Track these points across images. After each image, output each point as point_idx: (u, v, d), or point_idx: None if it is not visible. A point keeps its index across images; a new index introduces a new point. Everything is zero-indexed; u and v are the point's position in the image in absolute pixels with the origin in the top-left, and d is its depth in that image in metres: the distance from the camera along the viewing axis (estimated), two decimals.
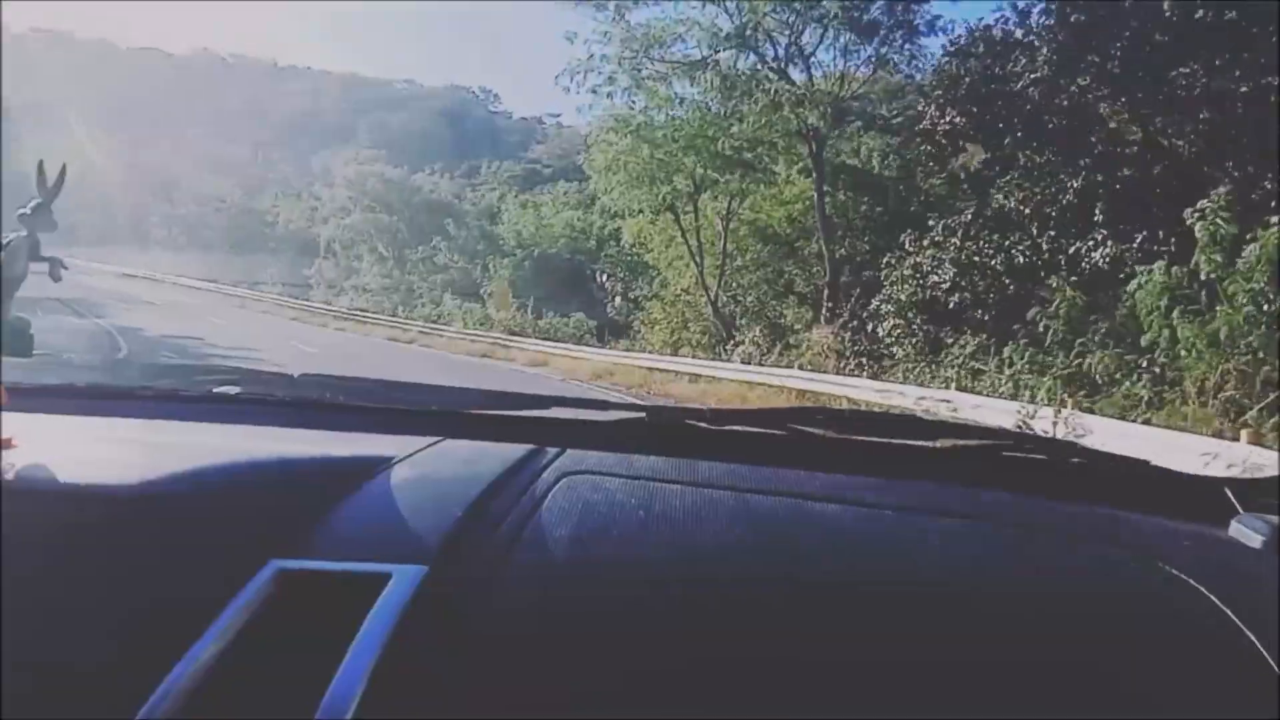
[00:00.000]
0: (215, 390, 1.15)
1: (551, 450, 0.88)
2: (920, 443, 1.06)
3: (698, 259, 18.92)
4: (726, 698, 0.57)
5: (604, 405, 1.32)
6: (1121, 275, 10.92)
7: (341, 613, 0.58)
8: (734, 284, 19.35)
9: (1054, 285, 11.96)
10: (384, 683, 0.53)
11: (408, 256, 28.54)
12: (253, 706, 0.53)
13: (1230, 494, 0.87)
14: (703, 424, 1.08)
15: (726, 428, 1.08)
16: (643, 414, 1.20)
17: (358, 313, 23.29)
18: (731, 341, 17.63)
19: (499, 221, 29.32)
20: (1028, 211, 13.26)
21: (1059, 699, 0.58)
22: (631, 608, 0.64)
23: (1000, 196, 13.68)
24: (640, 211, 19.44)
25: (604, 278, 24.33)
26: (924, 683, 0.58)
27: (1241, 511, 0.82)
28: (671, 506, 0.78)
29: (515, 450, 0.87)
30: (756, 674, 0.58)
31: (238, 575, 0.60)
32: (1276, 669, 0.59)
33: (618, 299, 23.09)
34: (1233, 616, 0.63)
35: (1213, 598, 0.66)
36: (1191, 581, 0.68)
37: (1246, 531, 0.78)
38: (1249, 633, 0.62)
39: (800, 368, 15.19)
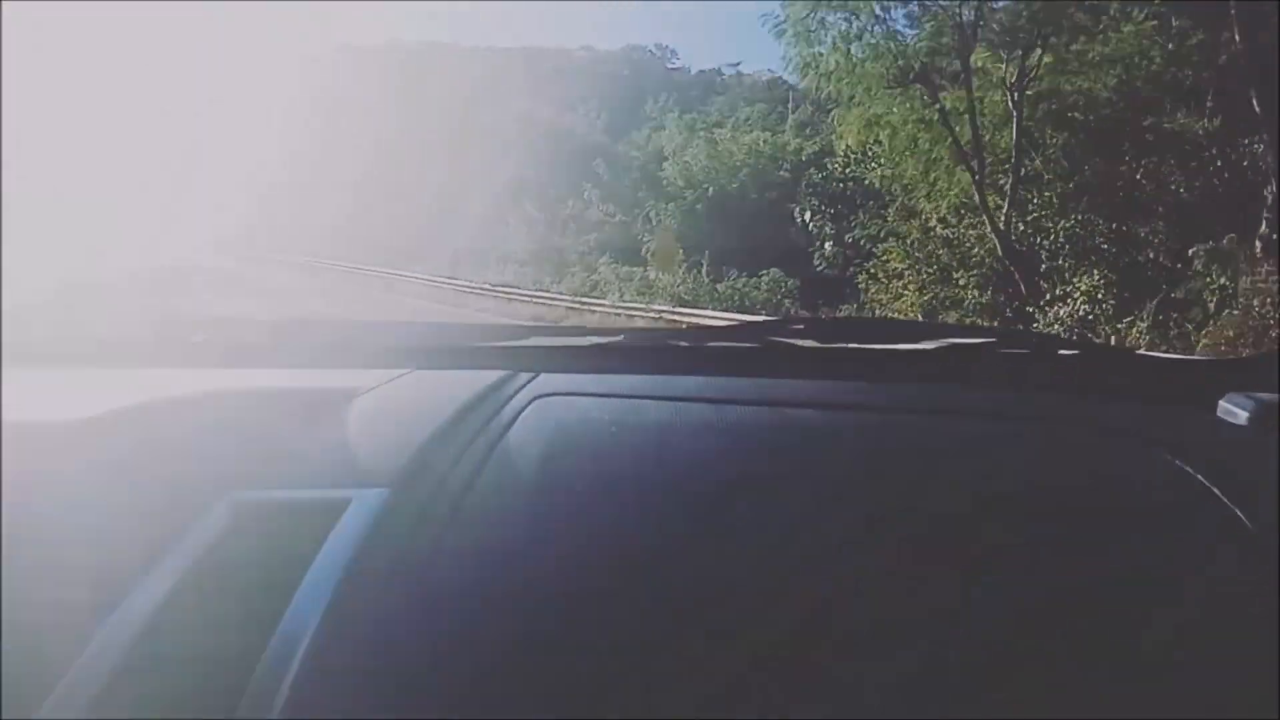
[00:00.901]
0: (184, 339, 1.14)
1: (525, 375, 0.85)
2: (903, 346, 1.04)
3: (975, 163, 11.07)
4: (703, 609, 0.55)
5: (582, 331, 1.29)
6: None
7: (301, 540, 0.57)
8: (1034, 201, 11.44)
9: None
10: (342, 608, 0.52)
11: (557, 214, 23.36)
12: (209, 636, 0.52)
13: (1217, 374, 0.86)
14: (681, 343, 1.10)
15: (706, 344, 1.08)
16: (620, 336, 1.17)
17: (501, 289, 18.56)
18: (1041, 301, 10.16)
19: (666, 161, 23.07)
20: None
21: (1054, 585, 0.56)
22: (602, 522, 0.62)
23: None
24: (866, 88, 11.47)
25: (806, 216, 17.23)
26: (912, 578, 0.57)
27: (1229, 392, 0.80)
28: (645, 420, 0.76)
29: (488, 376, 0.84)
30: (732, 583, 0.57)
31: (194, 507, 0.59)
32: (1262, 540, 0.59)
33: (827, 245, 16.02)
34: (1219, 493, 0.63)
35: (1199, 476, 0.65)
36: (1178, 462, 0.67)
37: (1233, 410, 0.76)
38: (1235, 508, 0.61)
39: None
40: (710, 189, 20.54)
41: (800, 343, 1.06)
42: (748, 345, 1.06)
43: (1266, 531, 0.60)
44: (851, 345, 1.06)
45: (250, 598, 0.53)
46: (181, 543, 0.56)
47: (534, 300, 17.00)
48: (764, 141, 21.36)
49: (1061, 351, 1.05)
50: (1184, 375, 0.94)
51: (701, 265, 16.71)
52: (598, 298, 16.56)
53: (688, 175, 21.17)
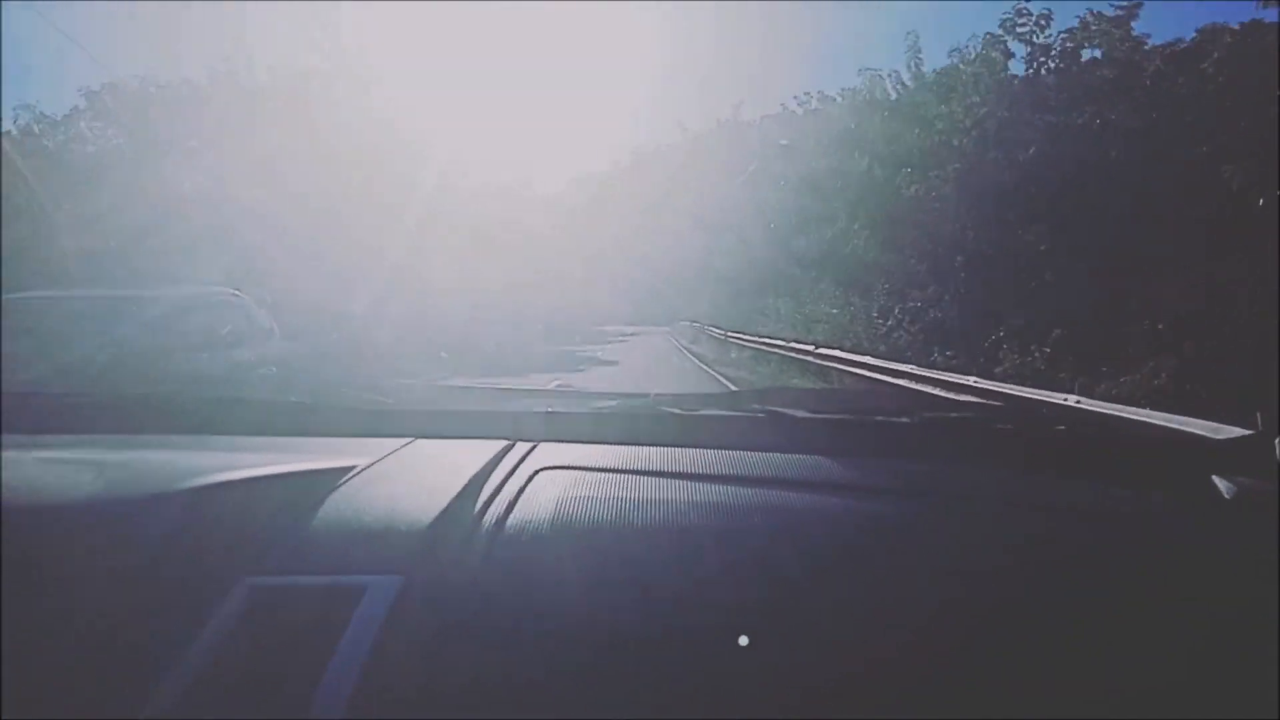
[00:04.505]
0: (187, 396, 1.21)
1: (525, 445, 0.88)
2: (895, 419, 1.07)
3: None
4: (712, 689, 0.56)
5: (579, 396, 1.41)
6: None
7: (317, 627, 0.57)
8: None
9: None
10: (364, 699, 0.53)
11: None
12: None
13: (1205, 454, 0.87)
14: (676, 410, 1.08)
15: (700, 412, 1.09)
16: (614, 402, 1.19)
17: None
18: None
19: None
20: None
21: (1043, 672, 0.57)
22: (614, 604, 0.62)
23: None
24: None
25: None
26: (904, 665, 0.58)
27: (1216, 472, 0.79)
28: (649, 499, 0.75)
29: (489, 447, 0.86)
30: (742, 666, 0.58)
31: (210, 593, 0.59)
32: (1251, 618, 0.59)
33: None
34: (1205, 575, 0.64)
35: (1186, 558, 0.67)
36: (1166, 544, 0.69)
37: (1220, 491, 0.77)
38: (1222, 591, 0.62)
39: None
40: None
41: (793, 413, 1.04)
42: (739, 414, 1.08)
43: (1257, 609, 0.60)
44: (840, 417, 1.05)
45: (274, 685, 0.54)
46: (204, 628, 0.57)
47: None
48: None
49: (1057, 428, 1.04)
50: (1176, 453, 0.92)
51: None
52: None
53: None
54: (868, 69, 15.91)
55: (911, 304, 12.22)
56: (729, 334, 22.78)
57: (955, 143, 11.96)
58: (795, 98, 23.74)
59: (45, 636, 0.55)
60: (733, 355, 19.28)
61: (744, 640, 0.58)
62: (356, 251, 14.30)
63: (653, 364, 18.58)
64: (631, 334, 34.90)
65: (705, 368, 16.74)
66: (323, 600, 0.59)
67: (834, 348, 12.27)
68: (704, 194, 33.20)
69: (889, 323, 12.70)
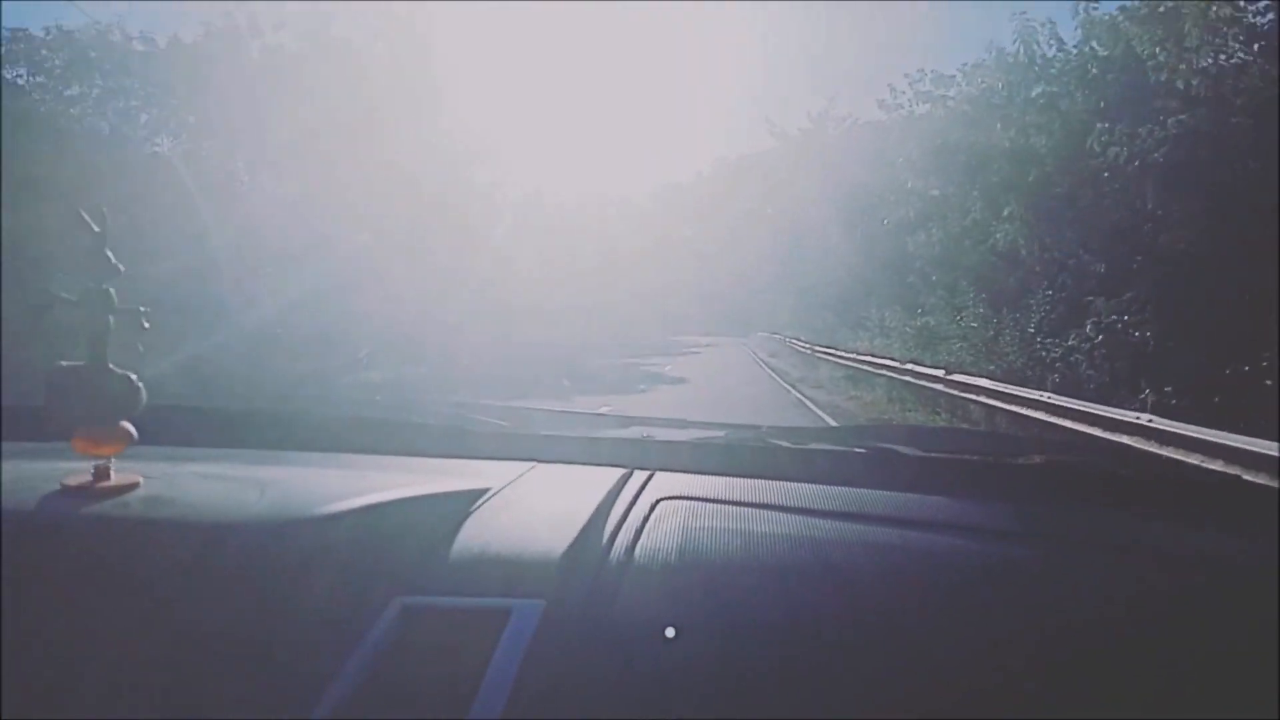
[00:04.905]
0: (319, 414, 1.24)
1: (641, 473, 0.88)
2: (1011, 460, 1.05)
3: None
4: None
5: (683, 424, 1.35)
6: None
7: (468, 646, 0.60)
8: None
9: None
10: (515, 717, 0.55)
11: None
12: None
13: None
14: (786, 444, 1.10)
15: (810, 446, 1.10)
16: (723, 432, 1.20)
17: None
18: None
19: None
20: None
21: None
22: (743, 637, 0.63)
23: None
24: None
25: None
26: (1020, 707, 0.58)
27: None
28: (770, 533, 0.76)
29: (609, 474, 0.87)
30: (868, 701, 0.59)
31: (366, 611, 0.62)
32: None
33: None
34: None
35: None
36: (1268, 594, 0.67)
37: None
38: None
39: None
40: None
41: (904, 450, 1.05)
42: (849, 450, 1.07)
43: None
44: (954, 457, 1.05)
45: (429, 702, 0.56)
46: (361, 644, 0.59)
47: None
48: None
49: (1167, 475, 1.01)
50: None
51: None
52: None
53: None
54: (1020, 13, 12.45)
55: (1109, 320, 8.56)
56: (815, 349, 19.52)
57: (1180, 84, 8.37)
58: (906, 75, 20.01)
59: (206, 649, 0.57)
60: (823, 375, 16.08)
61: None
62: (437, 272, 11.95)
63: (729, 385, 15.40)
64: (706, 345, 31.94)
65: (798, 394, 13.43)
66: (472, 621, 0.62)
67: (977, 374, 9.00)
68: (789, 197, 30.17)
69: (1068, 343, 9.08)
